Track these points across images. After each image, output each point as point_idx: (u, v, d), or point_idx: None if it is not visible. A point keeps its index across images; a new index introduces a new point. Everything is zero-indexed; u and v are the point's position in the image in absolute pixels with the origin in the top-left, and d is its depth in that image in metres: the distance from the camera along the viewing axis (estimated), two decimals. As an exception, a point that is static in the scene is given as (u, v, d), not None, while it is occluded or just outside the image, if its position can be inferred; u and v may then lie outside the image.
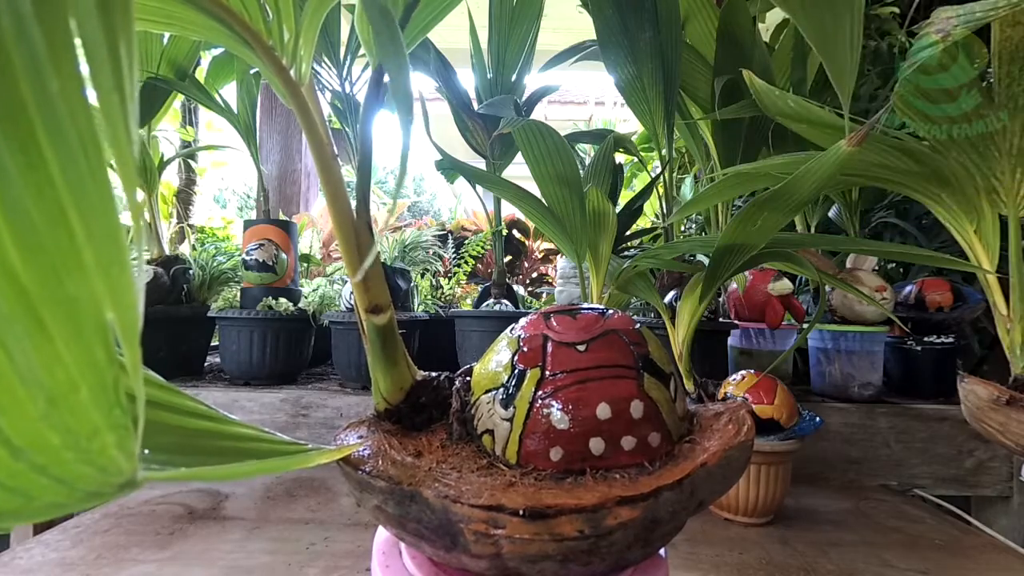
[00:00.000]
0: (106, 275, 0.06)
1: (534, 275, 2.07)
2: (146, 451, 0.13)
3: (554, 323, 0.23)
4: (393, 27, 0.18)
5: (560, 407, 0.21)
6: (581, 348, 0.22)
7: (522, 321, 0.24)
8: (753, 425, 0.22)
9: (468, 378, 0.25)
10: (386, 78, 0.24)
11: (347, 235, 0.23)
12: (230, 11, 0.19)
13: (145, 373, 0.14)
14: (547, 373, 0.21)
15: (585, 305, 0.24)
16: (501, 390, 0.22)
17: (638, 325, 0.24)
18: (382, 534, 0.24)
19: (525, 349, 0.22)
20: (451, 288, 1.08)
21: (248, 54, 0.21)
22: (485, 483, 0.20)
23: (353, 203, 0.23)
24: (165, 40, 0.85)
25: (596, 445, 0.20)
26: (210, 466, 0.14)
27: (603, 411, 0.20)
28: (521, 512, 0.18)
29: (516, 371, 0.22)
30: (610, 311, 0.24)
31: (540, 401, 0.21)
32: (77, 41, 0.06)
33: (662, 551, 0.24)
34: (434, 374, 0.27)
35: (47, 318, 0.06)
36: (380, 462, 0.21)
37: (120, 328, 0.07)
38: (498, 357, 0.23)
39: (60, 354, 0.06)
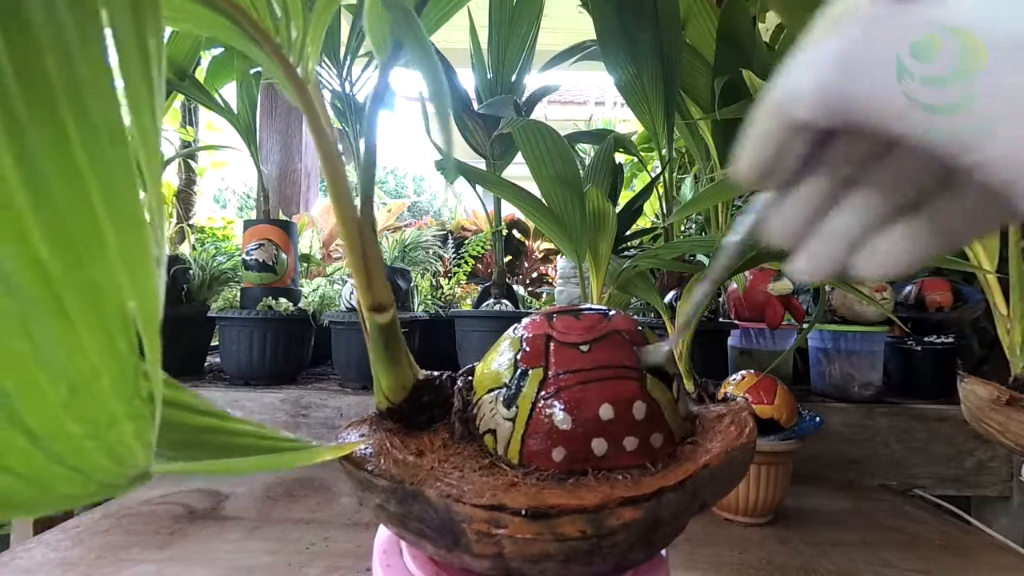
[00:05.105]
0: (128, 262, 0.06)
1: (534, 275, 2.07)
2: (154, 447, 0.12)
3: (557, 323, 0.23)
4: (418, 29, 0.18)
5: (563, 407, 0.21)
6: (584, 348, 0.22)
7: (524, 321, 0.24)
8: (755, 427, 0.21)
9: (470, 378, 0.25)
10: (389, 77, 0.24)
11: (350, 232, 0.23)
12: (240, 8, 0.19)
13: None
14: (550, 373, 0.21)
15: (587, 306, 0.24)
16: (504, 390, 0.22)
17: (641, 326, 0.24)
18: (383, 534, 0.24)
19: (528, 349, 0.22)
20: (451, 288, 1.08)
21: (256, 51, 0.21)
22: (487, 483, 0.20)
23: (357, 202, 0.23)
24: (165, 39, 0.85)
25: (598, 446, 0.20)
26: (217, 460, 0.14)
27: (606, 412, 0.20)
28: (523, 512, 0.18)
29: (519, 371, 0.22)
30: (612, 312, 0.24)
31: (543, 401, 0.21)
32: (108, 32, 0.06)
33: (663, 551, 0.24)
34: (436, 373, 0.27)
35: (70, 304, 0.06)
36: (382, 461, 0.21)
37: (141, 317, 0.06)
38: (500, 357, 0.23)
39: (83, 341, 0.06)
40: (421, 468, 0.21)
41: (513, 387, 0.22)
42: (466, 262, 1.13)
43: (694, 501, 0.20)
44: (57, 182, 0.06)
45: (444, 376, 0.26)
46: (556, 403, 0.21)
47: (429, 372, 0.27)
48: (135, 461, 0.07)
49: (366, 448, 0.22)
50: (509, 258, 1.98)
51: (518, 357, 0.22)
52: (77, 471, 0.07)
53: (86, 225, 0.06)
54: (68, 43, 0.06)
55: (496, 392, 0.22)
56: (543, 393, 0.21)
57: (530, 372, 0.22)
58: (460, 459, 0.22)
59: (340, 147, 0.24)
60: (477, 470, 0.21)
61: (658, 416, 0.21)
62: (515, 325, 0.24)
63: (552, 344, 0.22)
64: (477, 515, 0.18)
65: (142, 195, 0.07)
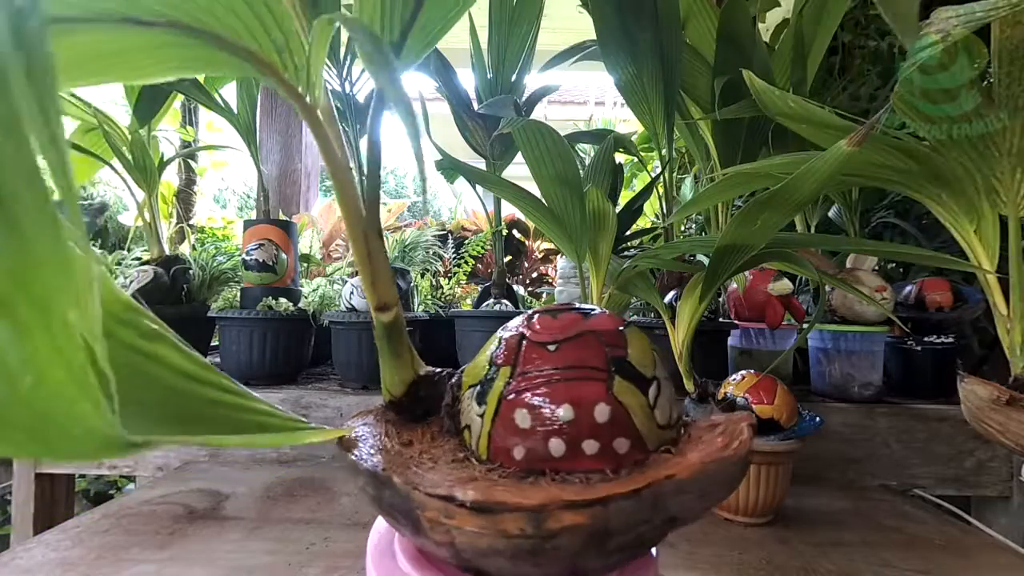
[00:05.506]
0: (65, 283, 0.09)
1: (534, 275, 2.07)
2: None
3: (535, 322, 0.23)
4: (393, 70, 0.20)
5: (524, 406, 0.20)
6: (551, 348, 0.21)
7: (512, 321, 0.24)
8: (748, 439, 0.20)
9: (463, 375, 0.26)
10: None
11: (356, 237, 0.25)
12: (251, 52, 0.23)
13: (184, 349, 0.17)
14: (516, 371, 0.21)
15: (577, 305, 0.24)
16: (479, 386, 0.22)
17: (624, 326, 0.23)
18: (375, 533, 0.25)
19: (502, 347, 0.23)
20: (451, 288, 1.08)
21: (270, 82, 0.24)
22: (450, 475, 0.20)
23: (363, 208, 0.25)
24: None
25: (556, 446, 0.20)
26: (215, 435, 0.16)
27: (565, 412, 0.20)
28: (468, 504, 0.18)
29: (491, 368, 0.22)
30: (597, 311, 0.23)
31: (506, 399, 0.21)
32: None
33: (653, 551, 0.23)
34: (437, 370, 0.27)
35: (25, 318, 0.09)
36: (369, 448, 0.23)
37: (82, 323, 0.10)
38: (483, 355, 0.24)
39: (36, 343, 0.09)
40: (400, 457, 0.22)
41: (485, 384, 0.22)
42: (466, 262, 1.13)
43: (656, 513, 0.19)
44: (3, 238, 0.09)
45: (443, 372, 0.27)
46: (517, 401, 0.21)
47: (431, 369, 0.27)
48: (101, 431, 0.10)
49: (361, 435, 0.24)
50: (509, 258, 1.98)
51: (494, 355, 0.23)
52: (65, 431, 0.09)
53: (27, 263, 0.09)
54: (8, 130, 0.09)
55: (473, 388, 0.23)
56: (507, 391, 0.21)
57: (500, 370, 0.22)
58: (440, 451, 0.23)
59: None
60: (450, 463, 0.21)
61: (624, 420, 0.20)
62: (504, 324, 0.24)
63: (524, 343, 0.22)
64: (430, 504, 0.19)
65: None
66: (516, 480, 0.20)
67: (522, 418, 0.20)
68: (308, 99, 0.24)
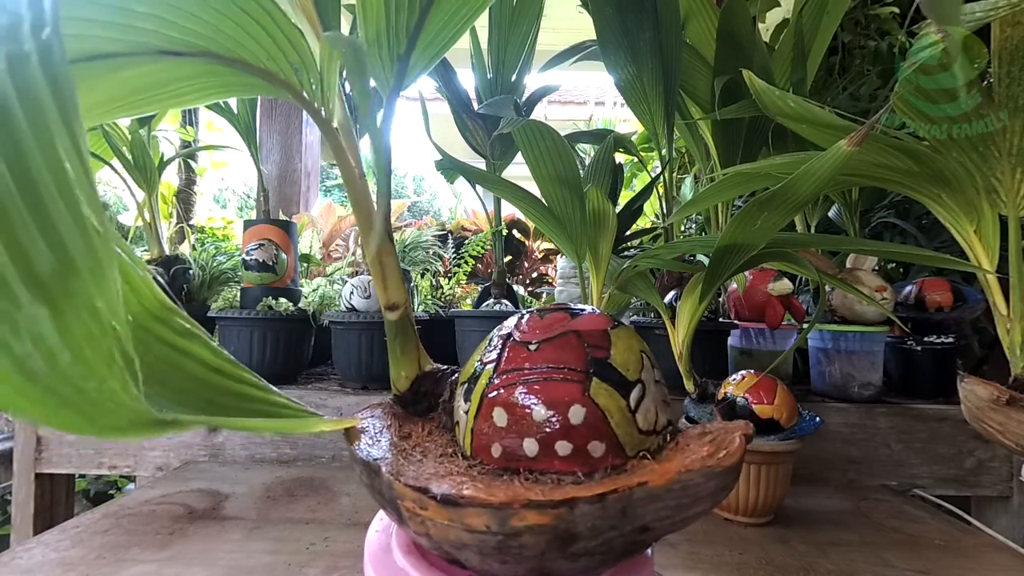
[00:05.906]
0: (94, 278, 0.11)
1: (534, 275, 2.07)
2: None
3: (524, 321, 0.23)
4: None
5: (501, 405, 0.21)
6: (532, 347, 0.22)
7: (508, 319, 0.24)
8: (738, 450, 0.19)
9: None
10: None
11: (370, 243, 0.27)
12: (272, 74, 0.26)
13: (214, 346, 0.19)
14: (499, 370, 0.22)
15: (571, 305, 0.24)
16: (467, 384, 0.23)
17: (612, 327, 0.22)
18: (372, 531, 0.25)
19: (491, 346, 0.23)
20: (451, 288, 1.08)
21: (290, 99, 0.27)
22: (431, 468, 0.21)
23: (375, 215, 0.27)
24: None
25: (529, 446, 0.20)
26: (234, 418, 0.18)
27: (539, 412, 0.20)
28: (437, 497, 0.18)
29: (479, 366, 0.23)
30: (587, 311, 0.23)
31: (488, 397, 0.21)
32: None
33: (648, 550, 0.23)
34: (441, 367, 0.28)
35: (61, 305, 0.10)
36: (369, 439, 0.24)
37: (107, 310, 0.11)
38: (476, 354, 0.24)
39: (71, 327, 0.10)
40: (395, 448, 0.23)
41: (472, 382, 0.22)
42: (466, 262, 1.13)
43: (625, 520, 0.18)
44: (43, 241, 0.10)
45: (447, 369, 0.28)
46: (497, 400, 0.21)
47: (437, 366, 0.28)
48: (131, 406, 0.11)
49: (366, 425, 0.25)
50: (509, 258, 1.99)
51: (483, 354, 0.23)
52: (100, 406, 0.11)
53: (64, 260, 0.10)
54: (52, 165, 0.11)
55: (463, 386, 0.23)
56: (488, 389, 0.21)
57: (486, 368, 0.22)
58: (433, 445, 0.23)
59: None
60: (439, 456, 0.22)
61: (600, 423, 0.20)
62: (501, 324, 0.24)
63: (509, 342, 0.22)
64: (407, 494, 0.19)
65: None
66: (491, 477, 0.20)
67: (500, 416, 0.21)
68: (323, 112, 0.27)
